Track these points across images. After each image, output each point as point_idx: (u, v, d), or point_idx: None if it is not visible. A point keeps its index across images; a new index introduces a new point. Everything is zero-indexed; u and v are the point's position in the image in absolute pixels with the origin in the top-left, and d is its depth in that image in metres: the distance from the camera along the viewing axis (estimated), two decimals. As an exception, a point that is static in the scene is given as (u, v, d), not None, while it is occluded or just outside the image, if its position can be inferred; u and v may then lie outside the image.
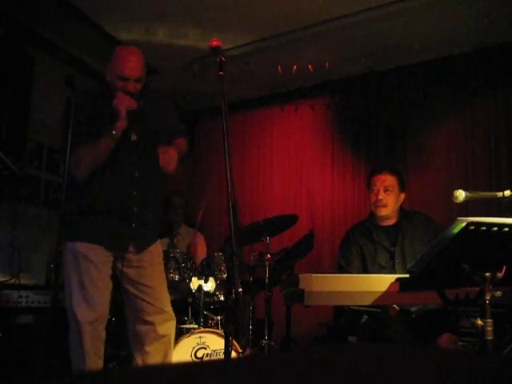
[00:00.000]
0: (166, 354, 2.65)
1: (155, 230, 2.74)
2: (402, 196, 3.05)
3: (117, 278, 2.60)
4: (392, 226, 3.04)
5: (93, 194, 2.50)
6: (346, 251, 3.07)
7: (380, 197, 2.98)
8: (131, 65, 2.47)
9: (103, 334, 2.48)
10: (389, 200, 2.98)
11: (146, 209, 2.60)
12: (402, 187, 3.05)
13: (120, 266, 2.57)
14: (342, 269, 3.04)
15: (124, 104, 2.39)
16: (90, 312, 2.41)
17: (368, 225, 3.09)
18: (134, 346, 2.64)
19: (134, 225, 2.55)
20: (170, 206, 4.47)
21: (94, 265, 2.46)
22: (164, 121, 2.64)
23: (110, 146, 2.41)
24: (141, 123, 2.44)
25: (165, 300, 2.66)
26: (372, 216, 3.12)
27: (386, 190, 2.98)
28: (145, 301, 2.58)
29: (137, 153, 2.55)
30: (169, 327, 2.66)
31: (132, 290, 2.60)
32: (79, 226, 2.48)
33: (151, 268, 2.63)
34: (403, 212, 3.09)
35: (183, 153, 2.68)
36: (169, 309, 2.67)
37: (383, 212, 3.00)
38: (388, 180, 3.01)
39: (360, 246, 3.03)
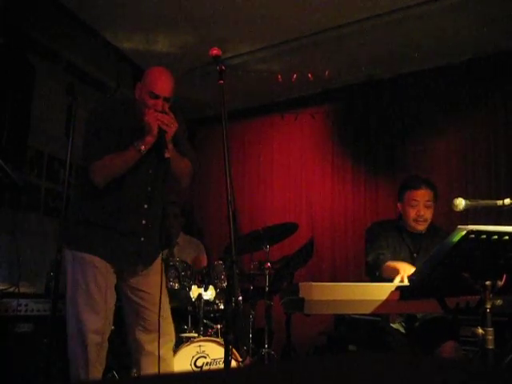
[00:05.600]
0: (168, 361, 2.66)
1: (158, 242, 2.76)
2: (434, 208, 3.04)
3: (117, 287, 2.60)
4: (419, 233, 3.03)
5: (106, 205, 2.52)
6: (377, 234, 3.02)
7: (422, 212, 2.96)
8: (162, 83, 2.52)
9: (106, 343, 2.48)
10: (429, 215, 2.98)
11: (152, 222, 2.63)
12: (436, 201, 3.04)
13: (124, 274, 2.59)
14: (378, 246, 2.95)
15: (157, 121, 2.43)
16: (97, 321, 2.41)
17: (398, 225, 3.07)
18: (136, 354, 2.63)
19: (142, 239, 2.57)
20: (164, 215, 4.45)
21: (101, 273, 2.47)
22: (179, 141, 2.66)
23: (135, 159, 2.45)
24: (163, 140, 2.46)
25: (165, 307, 2.66)
26: (401, 220, 3.09)
27: (426, 206, 2.97)
28: (146, 308, 2.60)
29: (152, 168, 2.59)
30: (170, 334, 2.68)
31: (134, 297, 2.62)
32: (88, 239, 2.49)
33: (154, 276, 2.65)
34: (432, 225, 3.07)
35: (189, 172, 2.70)
36: (169, 317, 2.68)
37: (423, 227, 2.99)
38: (428, 195, 2.99)
39: (388, 237, 3.00)
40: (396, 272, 2.57)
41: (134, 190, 2.55)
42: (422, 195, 2.99)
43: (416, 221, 2.99)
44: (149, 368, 2.57)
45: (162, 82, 2.52)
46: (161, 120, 2.44)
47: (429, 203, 2.97)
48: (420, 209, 2.97)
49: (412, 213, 3.00)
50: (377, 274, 2.83)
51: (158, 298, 2.61)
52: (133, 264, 2.58)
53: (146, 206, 2.58)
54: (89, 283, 2.44)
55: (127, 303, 2.66)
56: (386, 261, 2.79)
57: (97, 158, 2.43)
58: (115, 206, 2.52)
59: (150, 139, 2.43)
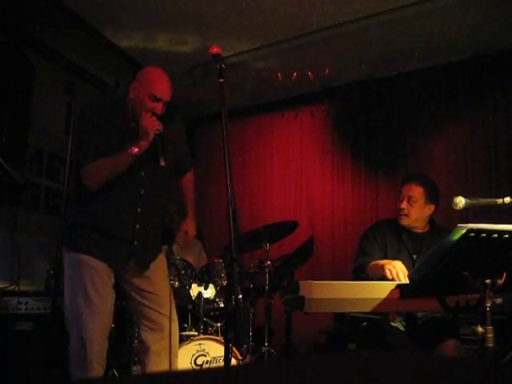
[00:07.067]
0: (173, 359, 2.65)
1: (158, 244, 2.74)
2: (430, 207, 2.97)
3: (119, 286, 2.60)
4: (420, 233, 3.01)
5: (98, 209, 2.50)
6: (371, 237, 3.00)
7: (402, 206, 2.95)
8: (163, 86, 2.50)
9: (106, 344, 2.47)
10: (411, 210, 2.94)
11: (148, 226, 2.59)
12: (430, 198, 2.97)
13: (125, 275, 2.58)
14: (364, 253, 2.95)
15: (154, 126, 2.41)
16: (96, 322, 2.40)
17: (398, 224, 3.04)
18: (140, 352, 2.63)
19: (136, 243, 2.54)
20: (165, 212, 4.44)
21: (97, 273, 2.45)
22: (176, 146, 2.65)
23: (128, 162, 2.41)
24: (161, 146, 2.45)
25: (170, 306, 2.66)
26: None
27: (409, 200, 2.94)
28: (150, 308, 2.59)
29: (145, 171, 2.55)
30: (174, 334, 2.66)
31: (138, 297, 2.60)
32: (83, 241, 2.48)
33: (156, 276, 2.64)
34: (434, 224, 3.05)
35: (192, 190, 2.75)
36: (174, 316, 2.66)
37: (404, 221, 2.97)
38: (413, 190, 2.95)
39: (385, 240, 2.99)
40: (380, 268, 2.57)
41: (126, 193, 2.51)
42: (408, 189, 2.98)
43: (398, 213, 2.99)
44: (154, 368, 2.56)
45: (164, 85, 2.50)
46: (158, 126, 2.41)
47: (414, 199, 2.94)
48: (402, 202, 2.97)
49: (397, 205, 3.01)
50: (362, 276, 2.82)
51: (162, 298, 2.60)
52: (127, 267, 2.56)
53: (139, 210, 2.54)
54: (87, 284, 2.42)
55: (131, 303, 2.66)
56: (371, 262, 2.80)
57: (89, 162, 2.40)
58: (107, 209, 2.49)
59: (144, 143, 2.40)
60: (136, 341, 3.25)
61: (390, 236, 3.00)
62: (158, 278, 2.64)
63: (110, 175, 2.42)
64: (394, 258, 2.89)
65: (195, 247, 4.59)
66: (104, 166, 2.41)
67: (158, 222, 2.72)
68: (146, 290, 2.60)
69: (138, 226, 2.54)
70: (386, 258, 2.91)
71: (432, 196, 2.98)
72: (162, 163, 2.40)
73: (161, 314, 2.58)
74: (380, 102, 5.10)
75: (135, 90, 2.52)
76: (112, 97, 4.35)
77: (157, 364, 2.56)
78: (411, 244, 2.97)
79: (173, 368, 2.64)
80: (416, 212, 2.95)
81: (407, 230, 3.00)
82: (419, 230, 3.01)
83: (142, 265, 2.60)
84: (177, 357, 2.70)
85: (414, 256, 2.93)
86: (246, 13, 4.07)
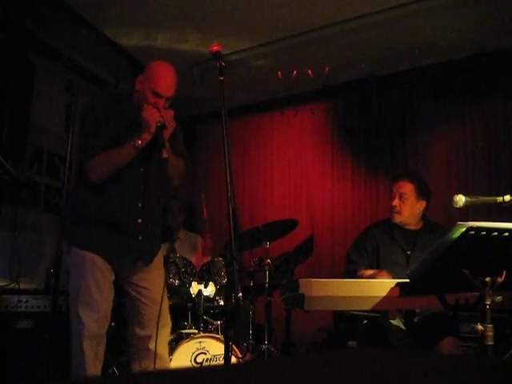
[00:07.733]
0: (164, 357, 2.67)
1: (159, 240, 2.76)
2: (422, 203, 3.00)
3: (116, 282, 2.61)
4: (413, 230, 3.03)
5: (100, 203, 2.50)
6: (360, 245, 3.05)
7: (394, 203, 2.99)
8: (168, 83, 2.51)
9: (104, 340, 2.49)
10: (403, 207, 2.97)
11: (149, 220, 2.61)
12: (421, 195, 3.00)
13: (123, 272, 2.59)
14: (350, 261, 3.02)
15: (155, 118, 2.41)
16: (94, 318, 2.42)
17: (391, 223, 3.08)
18: (133, 350, 2.64)
19: (140, 238, 2.55)
20: (168, 210, 4.46)
21: (100, 270, 2.47)
22: (173, 139, 2.66)
23: (131, 155, 2.43)
24: (162, 138, 2.45)
25: (163, 303, 2.67)
26: None
27: (401, 197, 2.98)
28: (144, 303, 2.60)
29: (145, 166, 2.56)
30: (166, 331, 2.69)
31: (133, 293, 2.62)
32: (86, 237, 2.49)
33: (153, 272, 2.66)
34: (427, 221, 3.07)
35: (182, 172, 2.70)
36: (166, 312, 2.68)
37: (397, 219, 3.00)
38: (403, 187, 3.00)
39: (377, 243, 3.01)
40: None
41: (126, 188, 2.53)
42: (399, 187, 3.03)
43: (391, 211, 3.03)
44: (145, 363, 2.59)
45: (167, 82, 2.50)
46: (159, 118, 2.42)
47: (405, 196, 2.98)
48: (394, 200, 3.00)
49: (390, 204, 3.05)
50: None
51: (158, 294, 2.61)
52: (132, 263, 2.57)
53: (140, 205, 2.55)
54: (87, 280, 2.44)
55: (127, 299, 2.67)
56: (359, 270, 2.89)
57: (93, 155, 2.41)
58: (110, 204, 2.50)
59: (146, 136, 2.42)
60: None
61: (381, 237, 3.03)
62: (154, 274, 2.66)
63: (114, 168, 2.44)
64: (388, 257, 2.94)
65: (196, 244, 4.60)
66: (108, 159, 2.43)
67: (159, 218, 2.73)
68: (142, 287, 2.61)
69: (140, 221, 2.55)
70: (378, 259, 2.96)
71: (423, 192, 3.01)
72: (165, 155, 2.41)
73: (155, 310, 2.59)
74: (380, 100, 5.10)
75: (141, 83, 2.53)
76: (119, 89, 4.34)
77: (147, 359, 2.58)
78: (404, 241, 2.99)
79: (163, 362, 2.65)
80: (408, 209, 2.98)
81: (400, 228, 3.03)
82: (412, 227, 3.03)
83: (146, 260, 2.62)
84: (167, 350, 2.73)
85: (408, 252, 2.95)
86: (247, 11, 4.07)
